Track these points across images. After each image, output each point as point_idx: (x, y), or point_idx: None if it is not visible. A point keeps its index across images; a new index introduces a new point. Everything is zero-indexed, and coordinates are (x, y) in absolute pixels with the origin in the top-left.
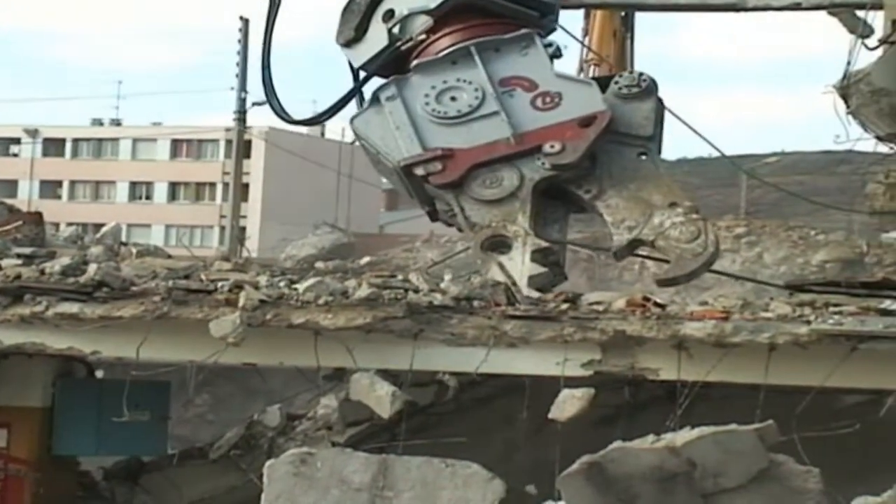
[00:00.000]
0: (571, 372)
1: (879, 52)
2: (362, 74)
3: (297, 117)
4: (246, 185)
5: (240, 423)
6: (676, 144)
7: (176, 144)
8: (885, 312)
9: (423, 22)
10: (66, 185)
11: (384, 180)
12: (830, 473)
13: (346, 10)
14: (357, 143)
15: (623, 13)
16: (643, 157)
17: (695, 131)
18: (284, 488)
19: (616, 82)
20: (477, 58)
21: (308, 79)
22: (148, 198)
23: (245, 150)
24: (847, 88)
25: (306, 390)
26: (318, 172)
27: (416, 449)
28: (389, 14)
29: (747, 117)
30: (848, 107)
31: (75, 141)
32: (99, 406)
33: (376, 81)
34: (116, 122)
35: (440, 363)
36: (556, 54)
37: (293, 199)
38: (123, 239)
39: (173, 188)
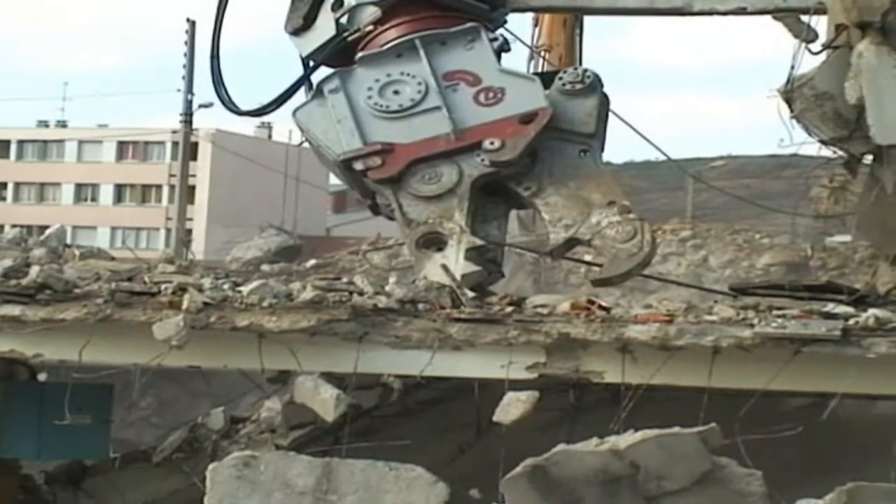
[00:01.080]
0: (516, 375)
1: (823, 56)
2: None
3: (244, 108)
4: (192, 188)
5: (184, 426)
6: (623, 148)
7: (122, 146)
8: (829, 316)
9: (371, 13)
10: (10, 186)
11: (331, 183)
12: (773, 476)
13: None
14: (303, 143)
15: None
16: (584, 155)
17: (641, 135)
18: (227, 491)
19: (560, 78)
20: (422, 51)
21: (270, 78)
22: (93, 200)
23: (191, 152)
24: (791, 93)
25: (250, 392)
26: (264, 175)
27: (361, 452)
28: (338, 3)
29: (694, 121)
30: (792, 111)
31: (20, 142)
32: (41, 409)
33: (324, 71)
34: (62, 124)
35: (385, 366)
36: (504, 48)
37: (240, 201)
38: (68, 241)
39: (119, 190)
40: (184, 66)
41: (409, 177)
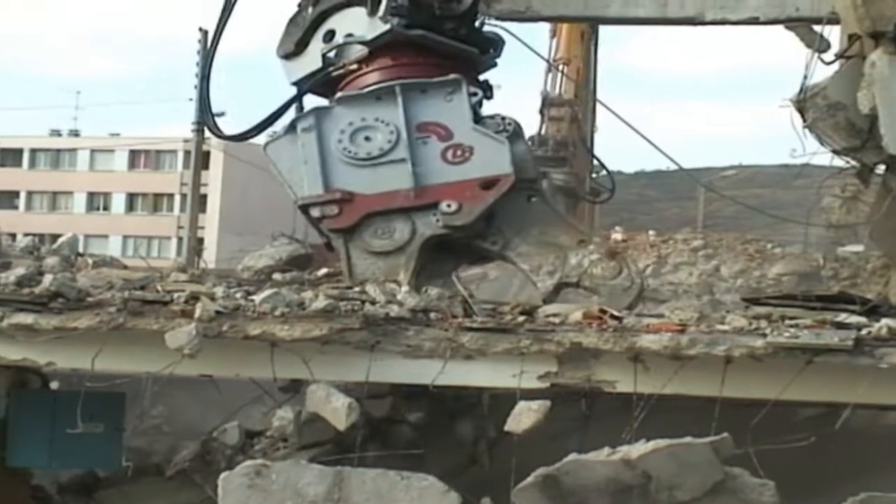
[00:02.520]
0: (528, 384)
1: (836, 66)
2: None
3: (227, 132)
4: (204, 196)
5: (195, 436)
6: (634, 157)
7: (134, 155)
8: (841, 326)
9: (358, 51)
10: (23, 195)
11: None
12: (785, 486)
13: (291, 22)
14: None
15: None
16: (532, 200)
17: (653, 144)
18: (239, 500)
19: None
20: (399, 98)
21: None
22: (105, 208)
23: (203, 161)
24: (804, 102)
25: (262, 401)
26: (276, 184)
27: (372, 461)
28: (330, 35)
29: (705, 130)
30: (804, 121)
31: (33, 151)
32: (53, 418)
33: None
34: (74, 133)
35: (397, 375)
36: (486, 96)
37: (251, 209)
38: (80, 250)
39: (131, 199)
40: (196, 75)
41: (362, 229)
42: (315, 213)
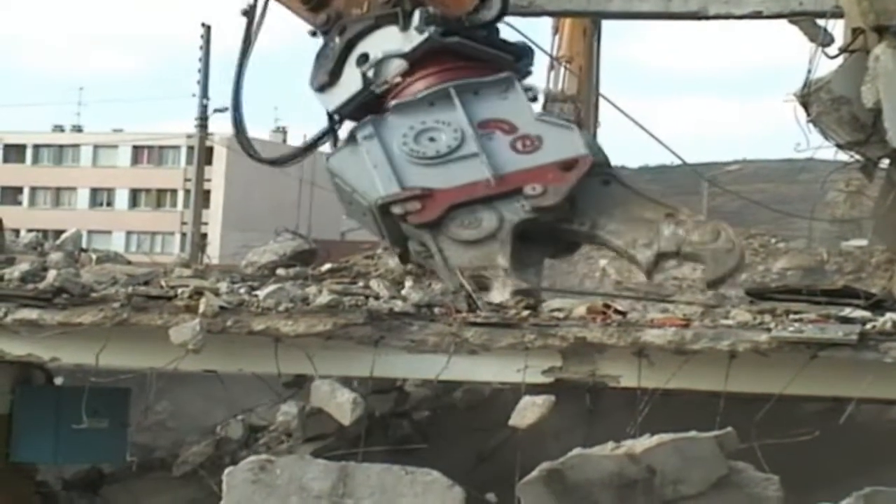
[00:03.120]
0: (532, 379)
1: (840, 60)
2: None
3: (266, 156)
4: (207, 192)
5: (199, 431)
6: (638, 152)
7: (137, 151)
8: (846, 320)
9: (398, 65)
10: (26, 191)
11: None
12: (790, 481)
13: (319, 55)
14: (335, 182)
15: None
16: (608, 185)
17: (656, 139)
18: (244, 495)
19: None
20: (456, 99)
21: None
22: (109, 204)
23: (206, 156)
24: (808, 97)
25: (266, 397)
26: (279, 179)
27: (377, 456)
28: (364, 58)
29: (709, 125)
30: (808, 115)
31: (36, 147)
32: (57, 413)
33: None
34: (77, 129)
35: (401, 370)
36: (533, 98)
37: (255, 205)
38: (84, 245)
39: (134, 195)
40: (199, 71)
41: (448, 222)
42: (397, 210)
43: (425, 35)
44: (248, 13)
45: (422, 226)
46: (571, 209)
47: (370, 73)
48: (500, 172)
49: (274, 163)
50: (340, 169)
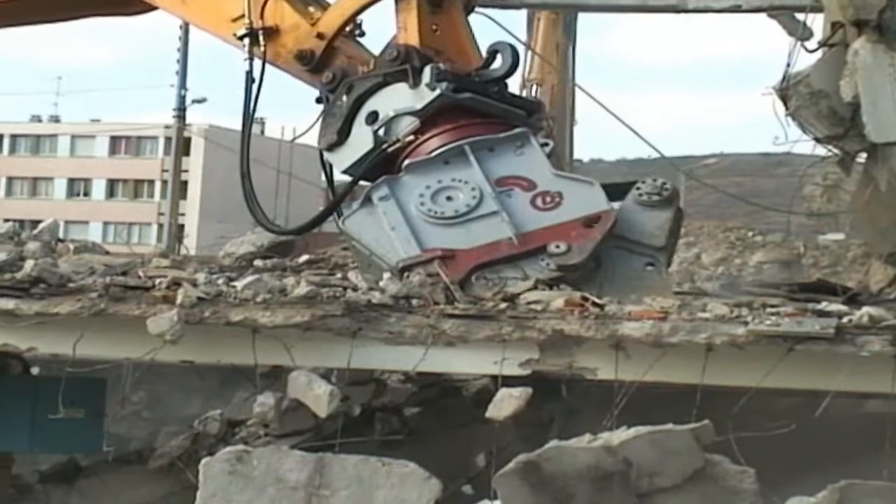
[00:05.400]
0: (509, 371)
1: (819, 54)
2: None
3: (282, 227)
4: (185, 183)
5: (176, 422)
6: (615, 145)
7: (115, 141)
8: (822, 314)
9: (410, 123)
10: (3, 181)
11: (323, 179)
12: (766, 474)
13: (326, 114)
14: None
15: (566, 23)
16: (650, 268)
17: (634, 132)
18: (220, 486)
19: (638, 188)
20: (472, 157)
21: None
22: (86, 194)
23: (184, 147)
24: (786, 91)
25: (243, 388)
26: (257, 170)
27: (353, 447)
28: (373, 116)
29: (686, 119)
30: (787, 109)
31: (13, 137)
32: (34, 403)
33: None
34: (55, 119)
35: (378, 362)
36: (549, 154)
37: (232, 196)
38: (61, 235)
39: (112, 185)
40: (177, 62)
41: (472, 283)
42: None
43: (437, 92)
44: (247, 77)
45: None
46: (594, 271)
47: (381, 132)
48: (522, 230)
49: (295, 232)
50: (358, 232)
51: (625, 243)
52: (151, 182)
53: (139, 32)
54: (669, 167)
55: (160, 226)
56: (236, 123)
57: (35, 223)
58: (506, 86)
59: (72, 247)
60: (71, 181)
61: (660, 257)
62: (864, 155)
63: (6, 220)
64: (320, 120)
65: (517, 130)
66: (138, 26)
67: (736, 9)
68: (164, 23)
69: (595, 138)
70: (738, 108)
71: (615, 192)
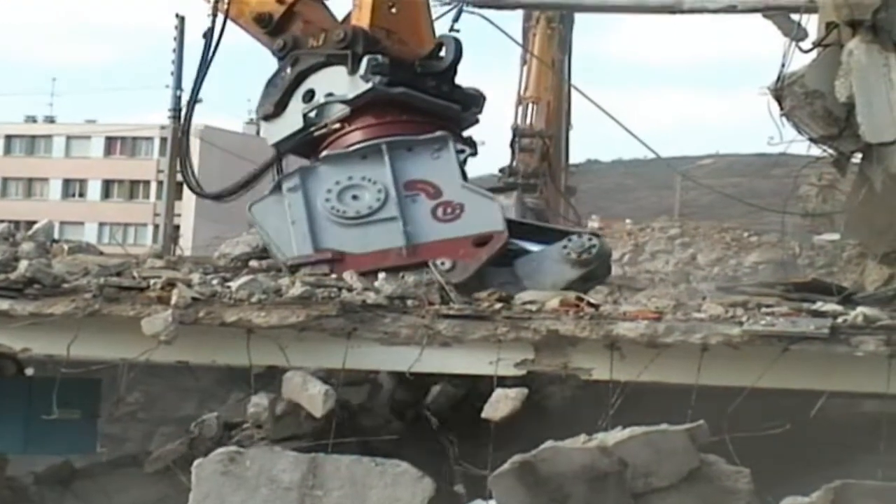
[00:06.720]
0: (505, 371)
1: (814, 54)
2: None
3: (207, 190)
4: (180, 184)
5: (171, 423)
6: (612, 146)
7: (110, 142)
8: (817, 314)
9: (340, 110)
10: None
11: None
12: (761, 474)
13: (269, 83)
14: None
15: (561, 37)
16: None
17: (630, 133)
18: (213, 487)
19: (569, 239)
20: (386, 157)
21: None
22: (81, 195)
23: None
24: (781, 91)
25: (238, 389)
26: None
27: (347, 447)
28: (310, 95)
29: (682, 119)
30: (782, 109)
31: (8, 137)
32: (28, 404)
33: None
34: (50, 119)
35: (373, 362)
36: (472, 153)
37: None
38: (56, 236)
39: (107, 186)
40: (173, 62)
41: None
42: (305, 272)
43: (370, 85)
44: (207, 35)
45: None
46: (480, 285)
47: (312, 114)
48: (414, 241)
49: (216, 197)
50: (261, 218)
51: (518, 283)
52: (147, 183)
53: (135, 33)
54: (666, 168)
55: (156, 226)
56: (232, 124)
57: (30, 224)
58: (452, 76)
59: (66, 247)
60: (66, 182)
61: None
62: (859, 155)
63: (1, 221)
64: (264, 87)
65: (438, 134)
66: (135, 27)
67: (731, 9)
68: (160, 23)
69: (591, 139)
70: (734, 108)
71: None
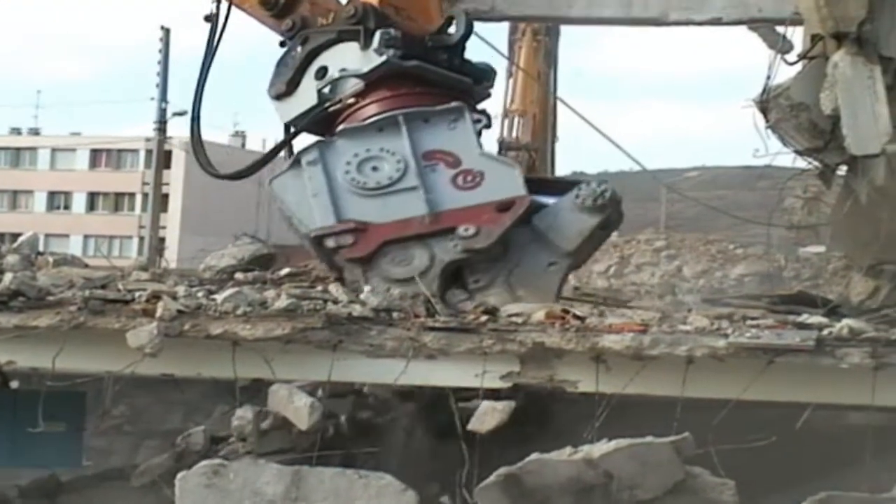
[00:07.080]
0: (490, 384)
1: (799, 67)
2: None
3: (222, 171)
4: (165, 196)
5: (157, 436)
6: (597, 158)
7: (95, 154)
8: (802, 326)
9: (354, 85)
10: None
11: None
12: (746, 486)
13: (280, 62)
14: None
15: (547, 50)
16: (551, 268)
17: (616, 145)
18: (197, 500)
19: (579, 188)
20: (404, 127)
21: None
22: (66, 207)
23: (165, 160)
24: (766, 103)
25: (223, 402)
26: (238, 183)
27: (331, 460)
28: (322, 71)
29: (668, 132)
30: (767, 121)
31: None
32: (13, 417)
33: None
34: (35, 132)
35: (359, 375)
36: (487, 125)
37: (213, 209)
38: (41, 249)
39: (92, 198)
40: (158, 74)
41: (380, 257)
42: (330, 243)
43: (384, 58)
44: (211, 19)
45: (353, 260)
46: (501, 255)
47: (326, 90)
48: (436, 209)
49: (231, 177)
50: (282, 192)
51: (542, 238)
52: (132, 195)
53: (120, 45)
54: (652, 180)
55: (141, 239)
56: (217, 136)
57: (15, 236)
58: (463, 50)
59: (51, 260)
60: (51, 194)
61: (564, 261)
62: (845, 167)
63: None
64: (275, 67)
65: (453, 104)
66: (119, 39)
67: (717, 21)
68: (145, 36)
69: (577, 151)
70: (720, 120)
71: (566, 188)
